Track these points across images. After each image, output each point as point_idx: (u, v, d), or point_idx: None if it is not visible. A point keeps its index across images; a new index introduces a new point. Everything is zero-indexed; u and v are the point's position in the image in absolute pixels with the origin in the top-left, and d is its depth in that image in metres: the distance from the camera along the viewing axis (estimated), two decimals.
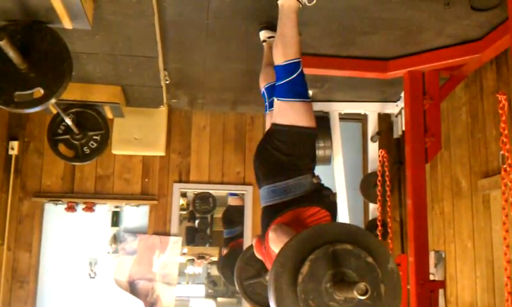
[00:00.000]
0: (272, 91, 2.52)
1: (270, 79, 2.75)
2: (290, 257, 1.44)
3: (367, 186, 4.78)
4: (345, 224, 1.55)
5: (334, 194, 2.36)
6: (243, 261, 3.35)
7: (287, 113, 2.27)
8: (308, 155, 2.33)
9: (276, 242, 1.94)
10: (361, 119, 5.16)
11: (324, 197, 2.28)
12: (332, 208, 2.31)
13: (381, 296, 1.39)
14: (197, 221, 7.57)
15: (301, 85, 2.30)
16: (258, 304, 3.25)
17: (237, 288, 3.34)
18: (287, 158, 2.28)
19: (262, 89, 2.87)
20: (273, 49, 2.37)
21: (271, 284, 1.45)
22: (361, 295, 1.22)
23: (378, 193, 4.34)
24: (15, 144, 4.73)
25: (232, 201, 6.37)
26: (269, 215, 2.27)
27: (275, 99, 2.33)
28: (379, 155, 4.44)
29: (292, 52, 2.29)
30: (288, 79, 2.27)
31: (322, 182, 2.36)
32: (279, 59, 2.30)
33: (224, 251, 6.44)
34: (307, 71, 2.41)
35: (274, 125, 2.31)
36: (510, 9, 2.53)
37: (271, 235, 1.98)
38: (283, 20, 2.35)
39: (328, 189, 2.34)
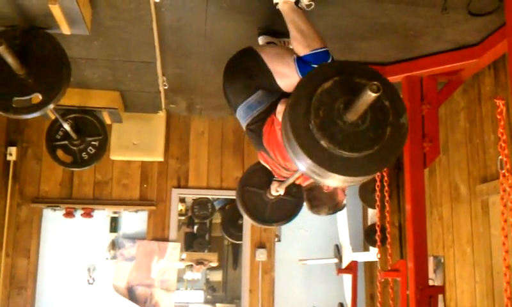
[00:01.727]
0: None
1: None
2: (317, 74, 1.49)
3: (366, 191, 4.78)
4: (374, 69, 1.59)
5: None
6: (251, 170, 3.33)
7: (282, 66, 2.25)
8: (272, 89, 2.33)
9: None
10: None
11: None
12: None
13: (384, 138, 1.44)
14: (196, 227, 7.57)
15: None
16: (248, 212, 3.20)
17: (236, 189, 3.28)
18: (254, 81, 2.32)
19: None
20: (293, 46, 2.27)
21: (285, 113, 1.49)
22: (373, 92, 1.25)
23: (377, 198, 4.34)
24: (13, 149, 4.73)
25: None
26: (257, 127, 2.31)
27: (295, 62, 2.20)
28: None
29: (316, 41, 2.18)
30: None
31: None
32: (302, 50, 2.18)
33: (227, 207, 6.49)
34: None
35: (258, 53, 2.35)
36: (507, 14, 2.53)
37: (280, 107, 2.00)
38: (292, 21, 2.30)
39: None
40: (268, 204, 3.15)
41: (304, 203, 2.71)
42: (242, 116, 2.39)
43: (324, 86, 1.44)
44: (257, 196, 3.20)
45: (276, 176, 2.78)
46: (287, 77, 2.24)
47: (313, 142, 1.42)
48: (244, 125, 2.43)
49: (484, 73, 3.57)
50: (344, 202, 2.58)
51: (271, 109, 2.24)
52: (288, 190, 2.91)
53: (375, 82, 1.26)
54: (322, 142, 1.41)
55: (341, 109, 1.42)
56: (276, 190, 2.92)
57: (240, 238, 5.39)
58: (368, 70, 1.54)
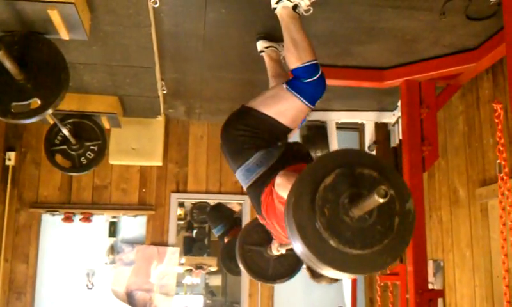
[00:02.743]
0: None
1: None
2: (318, 168, 1.45)
3: None
4: (374, 155, 1.57)
5: (303, 145, 2.37)
6: (249, 227, 3.32)
7: (280, 104, 2.26)
8: (273, 141, 2.33)
9: (285, 184, 1.92)
10: (358, 128, 5.16)
11: (299, 152, 2.30)
12: (308, 159, 2.33)
13: (393, 229, 1.40)
14: (195, 231, 7.56)
15: (320, 87, 2.28)
16: (251, 272, 3.19)
17: (236, 249, 3.26)
18: (252, 140, 2.29)
19: None
20: (286, 56, 2.34)
21: (289, 213, 1.46)
22: (381, 197, 1.22)
23: None
24: (11, 154, 4.72)
25: (229, 204, 6.31)
26: (255, 191, 2.28)
27: (284, 85, 2.28)
28: None
29: (307, 54, 2.26)
30: (311, 79, 2.25)
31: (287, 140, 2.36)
32: (295, 63, 2.27)
33: (226, 240, 6.42)
34: None
35: (251, 109, 2.31)
36: (505, 19, 2.54)
37: (279, 180, 1.97)
38: (288, 28, 2.34)
39: (297, 143, 2.34)
40: (270, 261, 3.15)
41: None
42: (242, 179, 2.37)
43: (326, 181, 1.40)
44: (258, 254, 3.19)
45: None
46: (288, 110, 2.27)
47: (322, 243, 1.38)
48: (244, 187, 2.40)
49: (483, 77, 3.57)
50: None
51: (271, 173, 2.21)
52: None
53: (383, 187, 1.21)
54: (332, 242, 1.37)
55: (346, 204, 1.39)
56: (278, 250, 2.90)
57: (240, 273, 5.24)
58: (369, 158, 1.51)
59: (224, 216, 5.93)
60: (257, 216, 2.56)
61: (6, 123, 4.66)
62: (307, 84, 2.25)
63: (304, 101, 2.26)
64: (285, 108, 2.27)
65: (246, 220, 5.02)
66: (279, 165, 2.21)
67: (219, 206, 6.03)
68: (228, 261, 5.66)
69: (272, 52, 2.96)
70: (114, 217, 4.91)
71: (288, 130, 2.31)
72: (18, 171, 4.79)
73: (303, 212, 1.41)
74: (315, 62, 2.27)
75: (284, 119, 2.28)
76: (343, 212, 1.39)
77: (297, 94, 2.25)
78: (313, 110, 4.48)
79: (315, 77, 2.26)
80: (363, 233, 1.38)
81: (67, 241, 4.84)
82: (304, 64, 2.24)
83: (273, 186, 2.09)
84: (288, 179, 1.89)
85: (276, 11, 2.43)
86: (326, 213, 1.38)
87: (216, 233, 6.52)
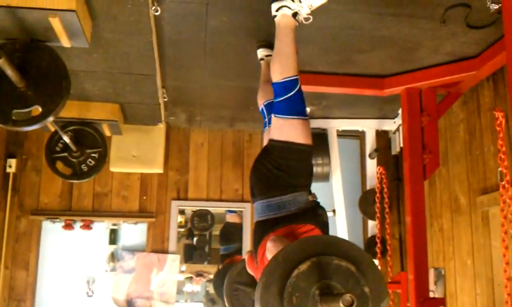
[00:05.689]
0: (271, 108, 2.52)
1: (269, 96, 2.75)
2: (295, 251, 1.41)
3: (366, 203, 4.77)
4: (358, 247, 1.50)
5: (326, 214, 2.34)
6: (241, 266, 3.30)
7: (284, 130, 2.27)
8: (304, 172, 2.32)
9: (273, 252, 1.89)
10: (359, 136, 5.16)
11: (319, 217, 2.27)
12: (325, 228, 2.29)
13: None
14: (195, 239, 7.53)
15: (299, 102, 2.29)
16: None
17: (224, 286, 3.20)
18: (283, 174, 2.26)
19: (261, 106, 2.87)
20: (271, 66, 2.36)
21: (258, 292, 1.42)
22: (345, 305, 1.18)
23: (377, 210, 4.33)
24: (12, 161, 4.72)
25: (230, 218, 6.33)
26: (262, 230, 2.25)
27: (273, 115, 2.33)
28: (377, 172, 4.44)
29: (290, 69, 2.28)
30: (286, 96, 2.27)
31: (318, 200, 2.34)
32: (276, 77, 2.30)
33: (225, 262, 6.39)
34: (305, 88, 2.41)
35: (271, 140, 2.31)
36: (506, 27, 2.54)
37: (270, 244, 1.95)
38: (280, 38, 2.36)
39: (322, 208, 2.33)
40: None
41: None
42: (258, 211, 2.33)
43: (300, 268, 1.36)
44: (245, 295, 3.14)
45: None
46: (295, 131, 2.25)
47: None
48: (255, 219, 2.37)
49: (483, 85, 3.57)
50: None
51: (284, 221, 2.18)
52: None
53: (349, 296, 1.17)
54: None
55: (316, 296, 1.34)
56: None
57: None
58: (351, 249, 1.44)
59: (234, 237, 5.91)
60: (246, 258, 2.54)
61: (7, 130, 4.66)
62: (284, 101, 2.26)
63: (296, 117, 2.26)
64: (290, 131, 2.26)
65: (246, 228, 5.01)
66: (296, 217, 2.19)
67: (230, 226, 6.04)
68: (220, 286, 5.60)
69: None
70: (114, 224, 4.90)
71: (310, 148, 2.30)
72: (19, 178, 4.78)
73: (271, 295, 1.37)
74: (295, 77, 2.27)
75: (300, 139, 2.27)
76: (311, 304, 1.34)
77: (287, 116, 2.26)
78: (314, 117, 4.54)
79: (291, 94, 2.26)
80: None
81: (67, 248, 4.83)
82: (284, 80, 2.26)
83: (266, 246, 2.05)
84: (277, 247, 1.84)
85: (276, 19, 2.43)
86: (293, 300, 1.34)
87: (221, 251, 6.51)
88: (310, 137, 2.29)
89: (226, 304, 3.18)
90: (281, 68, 2.29)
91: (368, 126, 4.79)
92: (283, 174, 2.27)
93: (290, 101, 2.27)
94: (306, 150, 2.29)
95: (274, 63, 2.33)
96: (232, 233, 6.00)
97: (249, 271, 2.54)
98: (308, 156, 2.34)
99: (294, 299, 1.34)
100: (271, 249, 1.93)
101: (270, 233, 2.16)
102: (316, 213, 2.27)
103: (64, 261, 4.80)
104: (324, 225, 2.27)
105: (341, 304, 1.18)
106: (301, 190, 2.27)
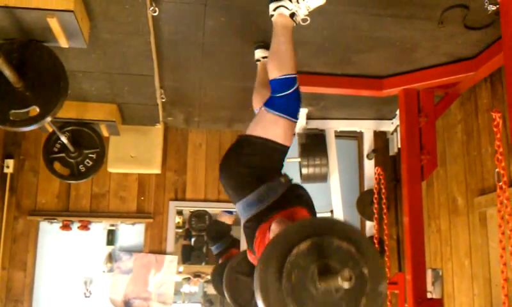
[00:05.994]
0: None
1: (264, 101, 2.75)
2: (297, 230, 1.41)
3: (364, 204, 4.77)
4: (359, 230, 1.50)
5: (307, 192, 2.34)
6: (241, 256, 3.30)
7: (269, 127, 2.25)
8: (274, 168, 2.31)
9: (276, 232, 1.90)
10: (357, 136, 5.17)
11: (302, 197, 2.27)
12: (311, 206, 2.29)
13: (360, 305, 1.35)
14: (193, 239, 7.53)
15: (294, 102, 2.28)
16: (235, 302, 3.16)
17: (224, 277, 3.21)
18: (253, 170, 2.26)
19: (256, 110, 2.86)
20: (268, 64, 2.35)
21: (257, 270, 1.42)
22: (344, 280, 1.19)
23: (374, 211, 4.34)
24: (10, 162, 4.71)
25: (222, 218, 6.30)
26: (253, 227, 2.24)
27: (263, 108, 2.30)
28: (375, 173, 4.44)
29: (288, 67, 2.27)
30: (284, 93, 2.26)
31: (291, 178, 2.33)
32: (274, 74, 2.28)
33: (220, 261, 6.37)
34: (303, 89, 2.41)
35: (247, 136, 2.29)
36: (503, 28, 2.55)
37: (274, 226, 1.94)
38: (277, 37, 2.36)
39: (302, 188, 2.33)
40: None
41: None
42: (241, 212, 2.33)
43: (301, 246, 1.37)
44: (244, 285, 3.16)
45: None
46: (277, 130, 2.24)
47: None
48: (242, 221, 2.36)
49: (481, 86, 3.58)
50: None
51: (271, 211, 2.17)
52: None
53: (347, 271, 1.19)
54: None
55: (315, 274, 1.34)
56: None
57: None
58: (353, 232, 1.45)
59: (222, 235, 5.90)
60: (247, 251, 2.55)
61: (4, 131, 4.65)
62: (280, 98, 2.26)
63: (286, 117, 2.26)
64: (274, 129, 2.26)
65: (241, 229, 5.01)
66: (280, 203, 2.18)
67: (216, 224, 6.02)
68: (220, 284, 5.57)
69: None
70: (112, 225, 4.89)
71: (286, 149, 2.30)
72: (17, 178, 4.78)
73: (270, 271, 1.38)
74: (293, 76, 2.27)
75: (279, 139, 2.27)
76: (310, 282, 1.34)
77: (277, 113, 2.25)
78: (312, 118, 4.55)
79: (289, 91, 2.26)
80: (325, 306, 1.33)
81: (65, 249, 4.82)
82: (282, 77, 2.25)
83: (269, 229, 2.04)
84: (281, 228, 1.83)
85: (273, 19, 2.43)
86: (292, 278, 1.34)
87: (214, 251, 6.50)
88: (290, 139, 2.29)
89: (225, 293, 3.18)
90: (280, 65, 2.28)
91: (366, 127, 4.80)
92: (254, 170, 2.26)
93: (286, 99, 2.26)
94: (282, 150, 2.28)
95: (272, 61, 2.32)
96: (217, 230, 5.97)
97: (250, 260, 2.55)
98: (283, 155, 2.32)
99: (293, 276, 1.34)
100: (274, 230, 1.92)
101: (261, 223, 2.16)
102: (298, 194, 2.27)
103: (62, 261, 4.79)
104: (308, 204, 2.27)
105: (339, 279, 1.19)
106: (272, 178, 2.25)
